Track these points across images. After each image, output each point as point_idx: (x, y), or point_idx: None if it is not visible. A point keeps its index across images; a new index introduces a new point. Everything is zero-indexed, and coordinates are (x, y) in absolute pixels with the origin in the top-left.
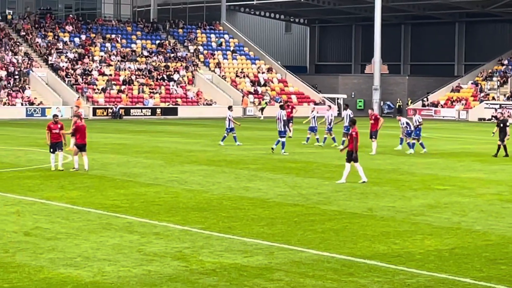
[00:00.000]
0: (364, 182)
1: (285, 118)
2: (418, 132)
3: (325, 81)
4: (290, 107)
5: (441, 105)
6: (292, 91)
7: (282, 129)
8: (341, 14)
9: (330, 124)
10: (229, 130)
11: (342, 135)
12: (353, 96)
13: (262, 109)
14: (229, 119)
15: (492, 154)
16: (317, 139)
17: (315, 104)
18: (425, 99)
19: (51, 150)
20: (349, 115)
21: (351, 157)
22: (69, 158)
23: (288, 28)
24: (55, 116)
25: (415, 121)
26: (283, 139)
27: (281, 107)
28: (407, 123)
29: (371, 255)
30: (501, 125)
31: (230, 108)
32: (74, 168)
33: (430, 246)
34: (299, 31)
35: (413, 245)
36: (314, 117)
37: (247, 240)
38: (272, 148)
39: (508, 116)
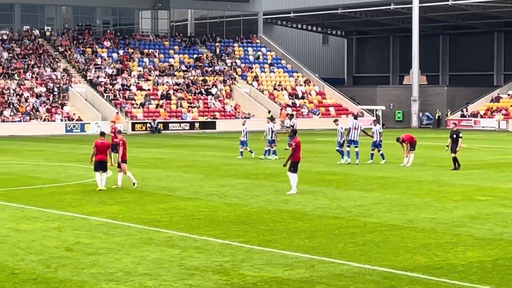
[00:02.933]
0: (292, 193)
1: (363, 128)
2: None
3: (363, 93)
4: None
5: (481, 115)
6: (330, 103)
7: (356, 139)
8: (379, 25)
9: (272, 136)
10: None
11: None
12: (391, 107)
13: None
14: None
15: (451, 168)
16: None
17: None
18: (464, 109)
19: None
20: (292, 123)
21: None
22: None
23: (326, 40)
24: (102, 133)
25: (377, 131)
26: (357, 149)
27: (355, 117)
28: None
29: (412, 267)
30: (454, 136)
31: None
32: (134, 184)
33: (472, 257)
34: (337, 43)
35: (455, 257)
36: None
37: (288, 253)
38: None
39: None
